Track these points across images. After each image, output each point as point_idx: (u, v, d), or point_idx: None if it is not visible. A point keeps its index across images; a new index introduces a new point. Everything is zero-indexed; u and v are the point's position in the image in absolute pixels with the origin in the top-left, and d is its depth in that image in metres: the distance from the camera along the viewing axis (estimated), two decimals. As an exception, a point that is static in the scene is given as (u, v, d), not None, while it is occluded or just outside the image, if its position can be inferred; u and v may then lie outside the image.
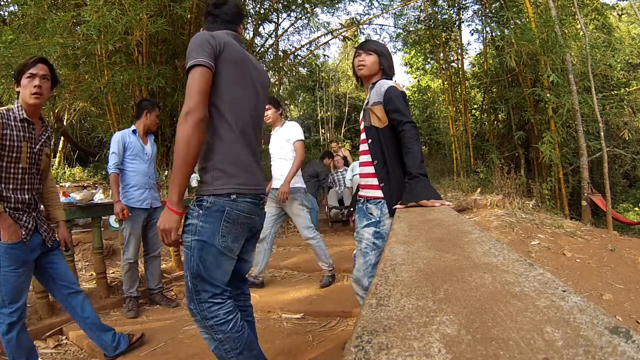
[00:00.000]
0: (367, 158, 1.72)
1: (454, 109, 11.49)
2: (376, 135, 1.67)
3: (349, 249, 4.29)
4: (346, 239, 4.85)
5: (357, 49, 1.80)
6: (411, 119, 1.62)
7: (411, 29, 12.57)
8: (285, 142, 3.13)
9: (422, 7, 11.58)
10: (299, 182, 3.16)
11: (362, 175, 1.78)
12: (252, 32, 9.29)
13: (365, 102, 1.76)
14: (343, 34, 11.28)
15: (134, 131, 2.87)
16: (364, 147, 1.76)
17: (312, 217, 5.55)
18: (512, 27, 7.94)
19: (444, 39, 11.06)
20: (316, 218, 5.44)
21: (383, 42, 2.34)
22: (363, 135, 1.76)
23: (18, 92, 1.74)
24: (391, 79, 1.76)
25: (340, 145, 6.82)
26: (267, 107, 3.19)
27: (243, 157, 1.32)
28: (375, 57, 1.75)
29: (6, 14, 7.47)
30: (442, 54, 11.47)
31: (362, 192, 1.78)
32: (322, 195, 5.87)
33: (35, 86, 1.69)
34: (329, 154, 6.26)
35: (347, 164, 6.00)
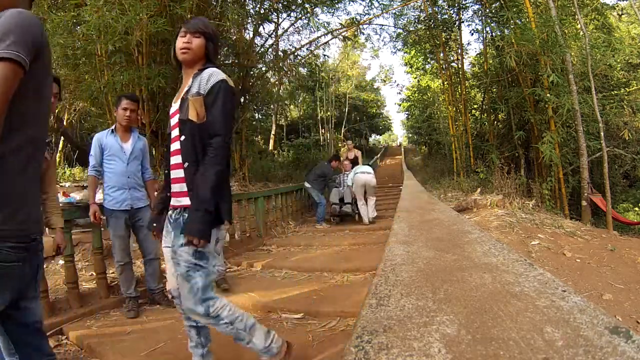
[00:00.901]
0: (178, 159, 1.47)
1: (454, 109, 11.50)
2: (190, 131, 1.41)
3: (349, 249, 4.30)
4: (346, 239, 4.85)
5: (183, 28, 1.53)
6: (226, 132, 1.40)
7: (411, 29, 12.58)
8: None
9: (422, 7, 11.59)
10: None
11: (173, 181, 1.52)
12: (252, 32, 9.31)
13: (185, 90, 1.48)
14: (343, 34, 11.30)
15: (112, 130, 2.82)
16: (175, 145, 1.48)
17: (319, 210, 6.26)
18: (512, 27, 7.94)
19: (444, 39, 11.07)
20: (323, 211, 6.25)
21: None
22: (175, 132, 1.49)
23: None
24: (215, 67, 1.51)
25: (353, 144, 7.70)
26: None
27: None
28: (203, 40, 1.50)
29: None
30: (442, 54, 11.47)
31: (174, 201, 1.53)
32: (327, 193, 6.56)
33: None
34: (336, 157, 6.90)
35: (354, 165, 6.58)
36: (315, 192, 6.31)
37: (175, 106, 1.53)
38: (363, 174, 5.83)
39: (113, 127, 2.86)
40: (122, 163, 2.78)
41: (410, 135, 30.82)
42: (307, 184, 6.45)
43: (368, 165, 6.80)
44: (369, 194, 5.83)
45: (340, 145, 24.83)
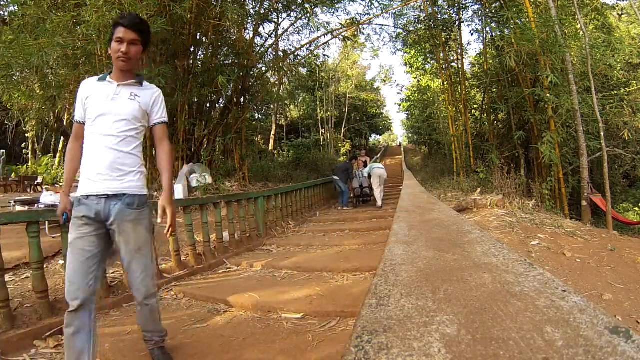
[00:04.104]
0: None
1: (454, 109, 11.50)
2: None
3: (349, 249, 4.30)
4: (346, 239, 4.85)
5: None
6: None
7: (411, 29, 12.59)
8: (138, 115, 1.66)
9: (422, 7, 11.59)
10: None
11: None
12: (252, 32, 9.31)
13: None
14: (343, 34, 11.30)
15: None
16: None
17: (343, 198, 8.68)
18: (512, 27, 7.94)
19: (444, 39, 11.07)
20: (346, 198, 8.63)
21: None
22: None
23: None
24: None
25: (363, 153, 10.57)
26: (133, 38, 1.58)
27: None
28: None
29: (6, 14, 7.47)
30: (442, 54, 11.47)
31: None
32: (349, 183, 8.88)
33: None
34: (355, 158, 9.64)
35: (365, 165, 9.43)
36: (341, 183, 8.61)
37: None
38: (378, 169, 8.34)
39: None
40: None
41: (410, 135, 30.82)
42: (335, 177, 8.81)
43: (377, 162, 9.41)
44: (380, 184, 8.16)
45: (340, 145, 24.89)
